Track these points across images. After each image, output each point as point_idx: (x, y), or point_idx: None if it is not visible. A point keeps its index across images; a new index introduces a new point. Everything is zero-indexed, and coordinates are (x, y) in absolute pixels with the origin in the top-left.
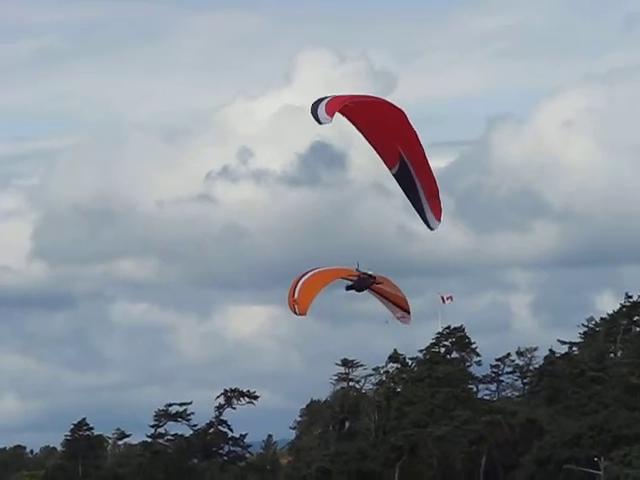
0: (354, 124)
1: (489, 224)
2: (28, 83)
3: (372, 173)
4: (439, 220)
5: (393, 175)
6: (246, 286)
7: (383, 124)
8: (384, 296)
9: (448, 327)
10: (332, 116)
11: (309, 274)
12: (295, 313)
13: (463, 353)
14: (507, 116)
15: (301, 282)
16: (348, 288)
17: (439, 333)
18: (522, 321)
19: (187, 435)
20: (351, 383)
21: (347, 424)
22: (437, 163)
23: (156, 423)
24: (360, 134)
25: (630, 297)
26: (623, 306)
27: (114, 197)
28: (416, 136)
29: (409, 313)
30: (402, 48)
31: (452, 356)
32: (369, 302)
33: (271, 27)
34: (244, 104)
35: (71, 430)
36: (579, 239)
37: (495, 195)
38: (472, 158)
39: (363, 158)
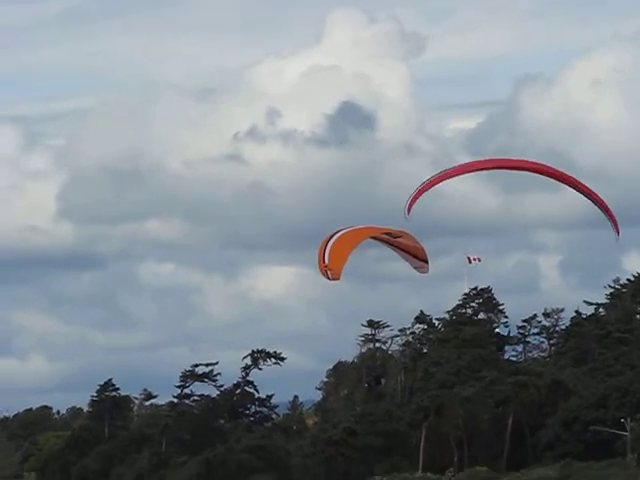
0: None
1: (518, 185)
2: (57, 42)
3: (400, 133)
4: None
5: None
6: (273, 246)
7: None
8: (401, 248)
9: (475, 288)
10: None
11: (337, 235)
12: (328, 278)
13: (490, 314)
14: (536, 76)
15: (330, 245)
16: None
17: (466, 294)
18: (550, 282)
19: (213, 396)
20: (377, 344)
21: (383, 381)
22: (466, 124)
23: (182, 384)
24: None
25: None
26: None
27: (142, 157)
28: None
29: (427, 263)
30: (431, 8)
31: (479, 317)
32: (396, 263)
33: None
34: (273, 64)
35: (97, 391)
36: (609, 199)
37: (524, 155)
38: (501, 118)
39: (392, 119)
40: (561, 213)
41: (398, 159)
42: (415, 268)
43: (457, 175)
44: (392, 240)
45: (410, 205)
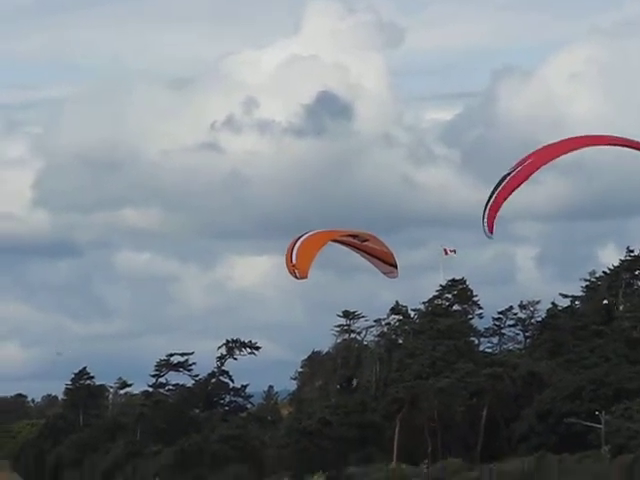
0: None
1: (495, 176)
2: (33, 31)
3: (378, 124)
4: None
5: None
6: (250, 236)
7: None
8: (369, 253)
9: (452, 280)
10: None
11: (304, 237)
12: (296, 277)
13: (465, 306)
14: (514, 68)
15: (297, 245)
16: None
17: (441, 285)
18: (526, 274)
19: (188, 385)
20: (353, 335)
21: (355, 382)
22: (443, 115)
23: (157, 373)
24: None
25: (632, 251)
26: (624, 260)
27: (118, 146)
28: None
29: (396, 267)
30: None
31: (454, 309)
32: None
33: None
34: (251, 53)
35: (72, 379)
36: (586, 192)
37: (501, 147)
38: (478, 110)
39: (369, 109)
40: (539, 205)
41: (375, 149)
42: (384, 273)
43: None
44: (359, 244)
45: (491, 224)
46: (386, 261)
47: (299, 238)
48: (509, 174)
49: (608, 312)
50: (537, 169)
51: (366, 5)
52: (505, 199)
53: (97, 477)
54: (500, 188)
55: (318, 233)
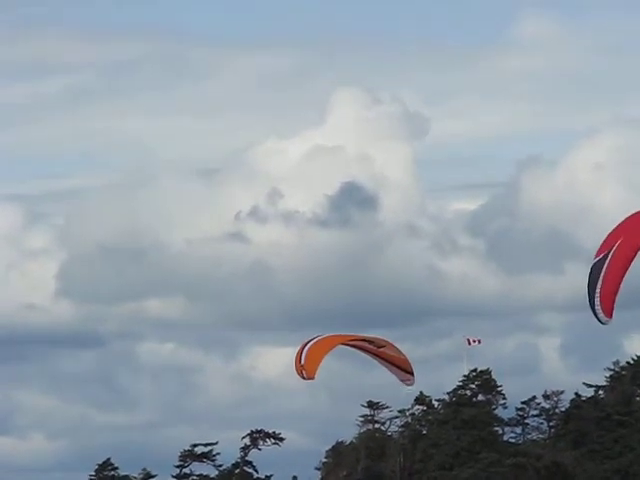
0: None
1: (519, 266)
2: (58, 121)
3: (402, 214)
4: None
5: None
6: (273, 327)
7: None
8: (387, 360)
9: (475, 370)
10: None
11: (314, 340)
12: (303, 378)
13: (489, 396)
14: (538, 158)
15: (307, 348)
16: None
17: (465, 376)
18: (549, 364)
19: (212, 476)
20: (377, 425)
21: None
22: (468, 205)
23: (181, 463)
24: None
25: None
26: None
27: (143, 235)
28: None
29: (412, 375)
30: (435, 89)
31: (478, 399)
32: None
33: (304, 67)
34: (275, 144)
35: (96, 470)
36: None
37: (526, 237)
38: (502, 200)
39: (393, 199)
40: (562, 294)
41: (400, 240)
42: (401, 380)
43: None
44: (375, 350)
45: (610, 309)
46: (403, 368)
47: (310, 341)
48: (602, 258)
49: (631, 401)
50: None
51: (391, 95)
52: (620, 282)
53: None
54: (604, 273)
55: (328, 337)
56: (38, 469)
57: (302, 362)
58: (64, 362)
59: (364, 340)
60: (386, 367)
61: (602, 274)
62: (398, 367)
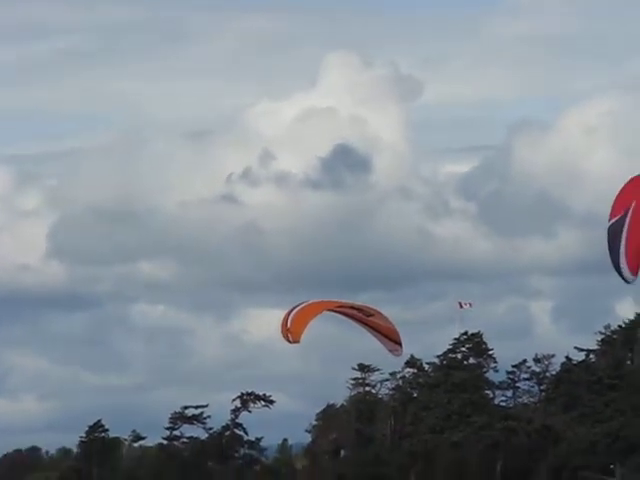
0: None
1: (511, 229)
2: (52, 83)
3: (395, 177)
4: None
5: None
6: (265, 289)
7: None
8: (375, 329)
9: (465, 333)
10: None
11: (301, 305)
12: (288, 341)
13: (480, 359)
14: (531, 122)
15: (294, 312)
16: None
17: (456, 339)
18: (541, 328)
19: (203, 438)
20: (367, 388)
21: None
22: (460, 168)
23: (172, 426)
24: None
25: None
26: (639, 314)
27: (134, 198)
28: None
29: (400, 345)
30: (428, 53)
31: (469, 362)
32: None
33: (297, 29)
34: (268, 106)
35: (87, 432)
36: (602, 246)
37: (518, 200)
38: (495, 163)
39: (386, 162)
40: (554, 258)
41: (392, 202)
42: (389, 350)
43: None
44: (364, 318)
45: (636, 268)
46: (391, 338)
47: (298, 305)
48: (620, 219)
49: (622, 365)
50: None
51: (384, 58)
52: None
53: None
54: (627, 233)
55: (316, 302)
56: (29, 430)
57: (288, 325)
58: (56, 323)
59: (352, 307)
60: (374, 336)
61: (624, 234)
62: (386, 337)
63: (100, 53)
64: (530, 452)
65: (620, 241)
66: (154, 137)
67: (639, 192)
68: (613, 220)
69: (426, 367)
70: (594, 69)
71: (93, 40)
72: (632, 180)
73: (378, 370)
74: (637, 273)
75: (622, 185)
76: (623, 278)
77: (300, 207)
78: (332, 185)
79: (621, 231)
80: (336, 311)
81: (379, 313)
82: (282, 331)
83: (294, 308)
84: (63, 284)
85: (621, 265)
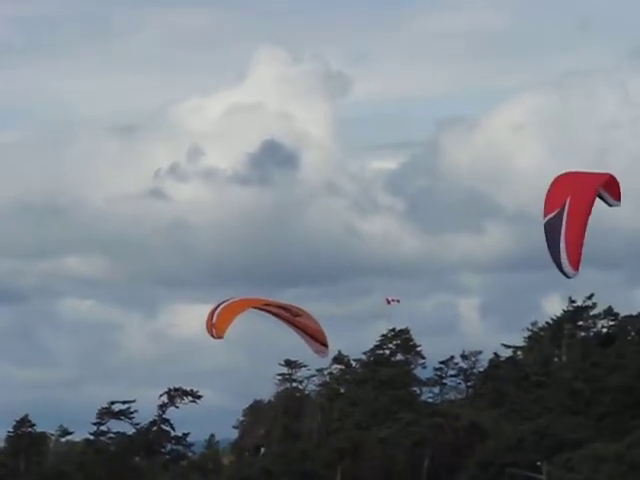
0: None
1: (439, 226)
2: None
3: (322, 173)
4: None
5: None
6: (193, 284)
7: None
8: (302, 329)
9: (393, 329)
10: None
11: (228, 301)
12: (212, 336)
13: (408, 356)
14: (458, 118)
15: (220, 308)
16: None
17: (383, 335)
18: (469, 324)
19: (130, 433)
20: (295, 384)
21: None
22: (387, 164)
23: (99, 421)
24: None
25: (574, 302)
26: (566, 311)
27: (62, 193)
28: None
29: (327, 347)
30: (356, 49)
31: (396, 358)
32: (315, 303)
33: (225, 24)
34: (196, 101)
35: (14, 426)
36: (530, 242)
37: (446, 197)
38: (423, 160)
39: (314, 158)
40: (481, 255)
41: (320, 198)
42: (314, 351)
43: None
44: (291, 318)
45: (577, 261)
46: (317, 339)
47: (224, 301)
48: (557, 215)
49: (549, 362)
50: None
51: (312, 54)
52: (584, 235)
53: None
54: (566, 228)
55: (243, 299)
56: None
57: (213, 320)
58: None
59: (279, 307)
60: (300, 336)
61: (563, 229)
62: (312, 337)
63: (25, 48)
64: (457, 449)
65: (559, 236)
66: (81, 132)
67: (573, 188)
68: (550, 216)
69: (353, 363)
70: (521, 66)
71: (17, 35)
72: (564, 176)
73: (305, 366)
74: (578, 268)
75: (551, 181)
76: (564, 273)
77: (228, 203)
78: (260, 181)
79: (560, 226)
80: (262, 309)
81: (306, 313)
82: (207, 326)
83: (220, 304)
84: None
85: (562, 260)
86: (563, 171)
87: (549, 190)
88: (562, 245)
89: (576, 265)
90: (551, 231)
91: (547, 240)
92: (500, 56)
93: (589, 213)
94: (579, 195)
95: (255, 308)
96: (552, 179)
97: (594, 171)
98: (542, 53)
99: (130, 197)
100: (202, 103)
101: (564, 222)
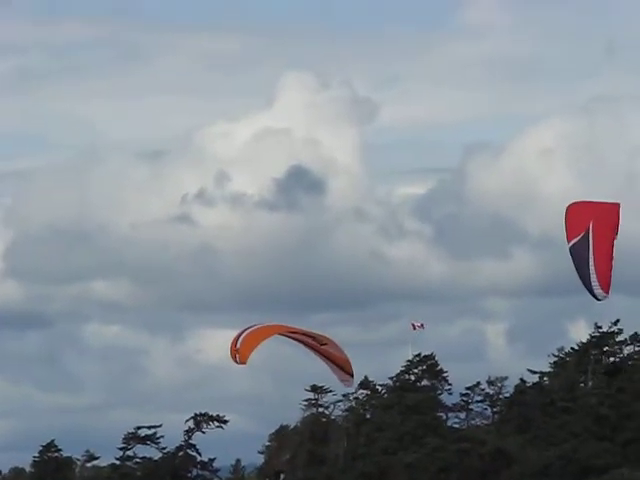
0: None
1: (465, 251)
2: (6, 101)
3: (350, 199)
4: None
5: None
6: (219, 310)
7: None
8: (327, 357)
9: (418, 354)
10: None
11: (252, 328)
12: (236, 362)
13: (434, 381)
14: (485, 144)
15: (244, 334)
16: None
17: (409, 360)
18: (494, 350)
19: (156, 458)
20: (320, 409)
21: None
22: (415, 190)
23: (125, 446)
24: None
25: (600, 327)
26: (592, 336)
27: (89, 218)
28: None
29: (352, 376)
30: (385, 75)
31: (422, 384)
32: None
33: (254, 49)
34: (223, 126)
35: (40, 451)
36: (558, 268)
37: (472, 222)
38: (450, 185)
39: (341, 184)
40: (508, 280)
41: (347, 224)
42: (340, 380)
43: None
44: (317, 347)
45: (608, 285)
46: (343, 368)
47: (249, 327)
48: (581, 239)
49: (575, 388)
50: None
51: (340, 79)
52: (612, 259)
53: None
54: (594, 252)
55: (269, 325)
56: None
57: (237, 346)
58: (9, 342)
59: (304, 334)
60: (326, 364)
61: (591, 252)
62: (338, 366)
63: (51, 72)
64: (483, 474)
65: (588, 260)
66: (108, 157)
67: (595, 214)
68: (574, 240)
69: (379, 388)
70: (549, 91)
71: (44, 58)
72: (577, 204)
73: (331, 391)
74: (608, 291)
75: (565, 209)
76: (595, 296)
77: (255, 228)
78: (287, 206)
79: (586, 250)
80: (288, 336)
81: (333, 342)
82: (231, 351)
83: (244, 330)
84: (17, 303)
85: (592, 284)
86: (590, 195)
87: (568, 216)
88: (592, 268)
89: (607, 288)
90: (578, 255)
91: (575, 264)
92: (528, 81)
93: (615, 237)
94: (602, 220)
95: (281, 335)
96: (565, 207)
97: (606, 200)
98: (569, 78)
99: (157, 222)
100: (229, 128)
101: (591, 246)
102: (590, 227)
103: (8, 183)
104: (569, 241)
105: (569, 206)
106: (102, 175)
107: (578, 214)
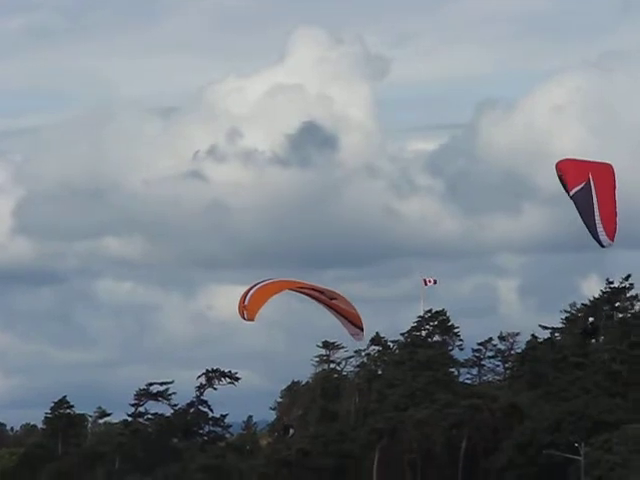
0: None
1: (477, 207)
2: (18, 59)
3: (362, 155)
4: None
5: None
6: (232, 266)
7: None
8: (338, 312)
9: (430, 310)
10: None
11: (260, 284)
12: (244, 318)
13: (445, 337)
14: (496, 100)
15: (253, 290)
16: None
17: (421, 316)
18: (507, 305)
19: (167, 415)
20: (332, 365)
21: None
22: (426, 146)
23: (137, 402)
24: None
25: (611, 283)
26: (604, 292)
27: (101, 174)
28: None
29: (362, 330)
30: (396, 31)
31: (434, 339)
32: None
33: (266, 6)
34: (235, 82)
35: (52, 408)
36: (569, 224)
37: (484, 178)
38: (462, 141)
39: (353, 140)
40: (520, 236)
41: (359, 180)
42: (351, 334)
43: None
44: (327, 301)
45: (612, 232)
46: (353, 322)
47: (258, 283)
48: (584, 187)
49: (587, 344)
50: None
51: (353, 36)
52: (615, 207)
53: None
54: (599, 200)
55: (277, 281)
56: None
57: (245, 303)
58: (22, 299)
59: (313, 289)
60: (337, 318)
61: (595, 200)
62: (348, 320)
63: (65, 30)
64: (495, 430)
65: (593, 208)
66: (120, 113)
67: (590, 167)
68: (577, 188)
69: (391, 345)
70: (562, 47)
71: (58, 17)
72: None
73: (343, 347)
74: (613, 238)
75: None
76: (600, 243)
77: (267, 184)
78: (299, 162)
79: (591, 197)
80: (298, 291)
81: (342, 297)
82: (239, 308)
83: (254, 286)
84: (29, 260)
85: (598, 230)
86: (603, 152)
87: (564, 168)
88: (596, 215)
89: (612, 234)
90: (582, 202)
91: (580, 211)
92: (540, 38)
93: (615, 186)
94: (601, 174)
95: (290, 290)
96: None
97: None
98: (583, 35)
99: (169, 178)
100: (241, 84)
101: (594, 193)
102: (590, 177)
103: (18, 140)
104: (570, 189)
105: (560, 161)
106: (114, 132)
107: (576, 166)
